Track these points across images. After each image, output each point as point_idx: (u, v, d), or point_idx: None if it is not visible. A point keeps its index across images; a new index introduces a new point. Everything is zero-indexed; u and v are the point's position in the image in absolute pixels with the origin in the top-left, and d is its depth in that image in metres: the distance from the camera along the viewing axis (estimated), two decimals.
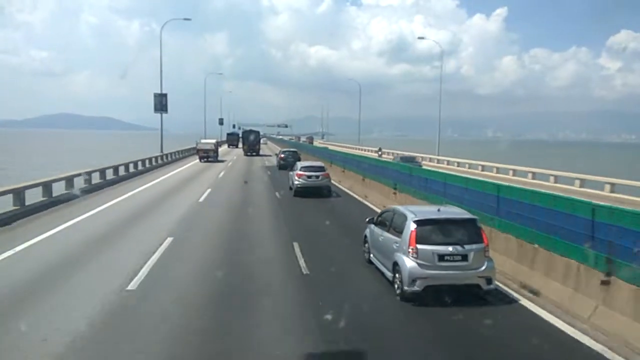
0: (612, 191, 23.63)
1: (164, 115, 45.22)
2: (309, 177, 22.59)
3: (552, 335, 7.31)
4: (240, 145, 68.90)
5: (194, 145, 49.51)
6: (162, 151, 41.84)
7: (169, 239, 12.71)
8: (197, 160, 43.61)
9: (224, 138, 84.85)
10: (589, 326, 7.47)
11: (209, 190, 23.90)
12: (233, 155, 55.71)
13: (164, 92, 44.81)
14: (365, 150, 61.84)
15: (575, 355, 6.75)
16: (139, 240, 12.76)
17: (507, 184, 13.91)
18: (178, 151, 48.97)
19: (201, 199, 21.06)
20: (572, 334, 7.29)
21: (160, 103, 45.08)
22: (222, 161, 44.72)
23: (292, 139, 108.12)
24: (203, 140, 47.85)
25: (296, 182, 22.69)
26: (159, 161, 38.95)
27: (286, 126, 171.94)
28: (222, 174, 33.24)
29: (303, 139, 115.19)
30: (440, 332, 7.42)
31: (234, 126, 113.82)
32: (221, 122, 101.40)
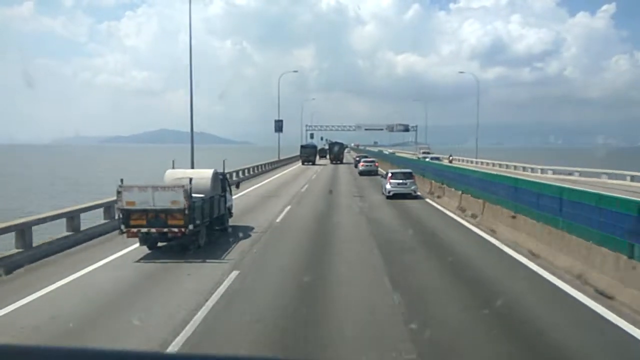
0: None
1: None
2: (366, 165, 41.12)
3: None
4: (318, 159, 70.53)
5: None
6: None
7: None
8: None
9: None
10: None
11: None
12: (300, 186, 33.21)
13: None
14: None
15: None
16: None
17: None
18: None
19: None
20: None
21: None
22: (247, 232, 16.83)
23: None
24: (169, 172, 15.07)
25: (360, 168, 41.32)
26: None
27: (407, 129, 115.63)
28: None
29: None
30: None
31: (311, 136, 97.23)
32: (312, 135, 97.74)
